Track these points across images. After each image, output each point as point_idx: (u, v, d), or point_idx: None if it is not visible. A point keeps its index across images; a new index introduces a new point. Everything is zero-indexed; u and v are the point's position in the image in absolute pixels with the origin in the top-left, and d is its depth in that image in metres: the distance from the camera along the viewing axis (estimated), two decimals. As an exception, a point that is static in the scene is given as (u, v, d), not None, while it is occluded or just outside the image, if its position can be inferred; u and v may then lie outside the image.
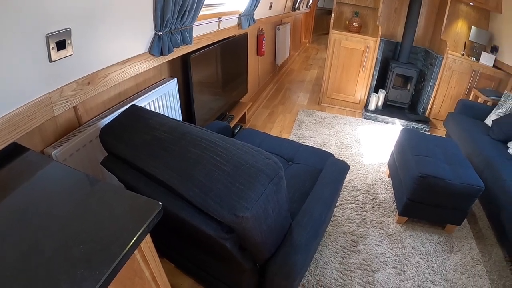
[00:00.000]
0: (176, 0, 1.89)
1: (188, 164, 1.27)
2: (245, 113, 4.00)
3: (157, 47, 2.02)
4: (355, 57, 4.84)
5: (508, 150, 3.72)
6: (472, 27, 4.96)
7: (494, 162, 3.32)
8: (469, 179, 2.73)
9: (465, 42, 5.07)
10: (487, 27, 5.12)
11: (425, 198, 2.79)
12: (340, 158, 3.62)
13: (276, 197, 1.27)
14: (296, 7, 6.55)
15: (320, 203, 1.88)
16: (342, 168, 2.30)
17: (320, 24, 11.95)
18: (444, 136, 4.53)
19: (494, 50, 4.91)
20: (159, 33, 1.98)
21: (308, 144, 3.73)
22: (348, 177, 3.46)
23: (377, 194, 3.31)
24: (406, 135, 3.29)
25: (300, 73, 7.03)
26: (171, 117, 1.66)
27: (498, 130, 3.92)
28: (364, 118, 5.03)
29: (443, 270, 2.59)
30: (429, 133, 4.84)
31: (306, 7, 8.61)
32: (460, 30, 5.16)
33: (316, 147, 3.68)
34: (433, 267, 2.60)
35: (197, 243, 1.72)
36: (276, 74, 6.16)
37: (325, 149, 3.74)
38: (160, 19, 1.91)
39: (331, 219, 2.85)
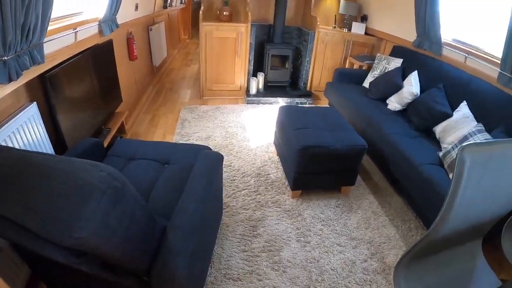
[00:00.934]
0: (16, 19, 1.69)
1: (29, 196, 1.20)
2: (123, 123, 3.78)
3: (4, 74, 1.81)
4: (229, 45, 4.85)
5: (387, 107, 3.99)
6: (341, 0, 5.34)
7: (375, 119, 3.55)
8: (351, 141, 2.87)
9: (335, 15, 5.45)
10: (355, -1, 5.61)
11: (312, 168, 2.87)
12: (226, 147, 3.62)
13: (118, 208, 1.20)
14: (168, 4, 6.42)
15: (192, 200, 1.79)
16: (214, 158, 2.21)
17: (198, 18, 11.92)
18: (327, 106, 4.76)
19: (364, 19, 5.39)
20: (3, 59, 1.76)
21: (192, 141, 3.66)
22: (237, 164, 3.43)
23: (268, 174, 3.32)
24: (284, 112, 3.34)
25: (181, 71, 6.90)
26: (15, 147, 1.59)
27: (376, 90, 4.20)
28: (247, 103, 5.07)
29: (347, 230, 2.68)
30: (312, 105, 5.11)
31: (181, 2, 8.58)
32: (330, 5, 5.53)
33: (200, 142, 3.61)
34: (336, 230, 2.67)
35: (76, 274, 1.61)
36: (155, 75, 5.93)
37: (210, 142, 3.70)
38: (2, 43, 1.70)
39: (226, 210, 2.78)
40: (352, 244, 2.56)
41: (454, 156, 2.70)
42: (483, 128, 2.84)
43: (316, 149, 2.73)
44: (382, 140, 3.28)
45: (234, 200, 2.91)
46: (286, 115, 3.27)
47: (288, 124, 3.11)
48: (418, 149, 3.03)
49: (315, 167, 2.85)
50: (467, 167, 1.14)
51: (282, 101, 5.14)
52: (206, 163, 2.12)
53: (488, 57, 3.37)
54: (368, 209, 2.95)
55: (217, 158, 2.21)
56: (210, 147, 3.12)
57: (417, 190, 2.79)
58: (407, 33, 4.51)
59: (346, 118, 3.82)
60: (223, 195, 2.90)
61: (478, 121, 3.05)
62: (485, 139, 2.60)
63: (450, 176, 2.67)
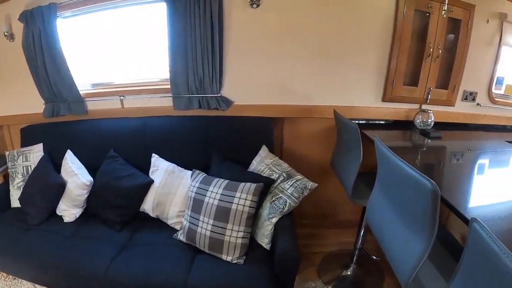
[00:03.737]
0: None
1: None
2: None
3: None
4: None
5: (64, 220, 2.79)
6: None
7: (63, 261, 2.31)
8: None
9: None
10: None
11: None
12: None
13: None
14: None
15: None
16: None
17: None
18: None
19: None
20: None
21: None
22: None
23: None
24: None
25: None
26: None
27: (35, 209, 2.82)
28: None
29: None
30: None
31: None
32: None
33: None
34: None
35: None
36: None
37: None
38: None
39: None
40: None
41: (201, 231, 2.14)
42: (205, 173, 2.45)
43: None
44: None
45: None
46: None
47: None
48: (160, 258, 2.17)
49: None
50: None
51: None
52: None
53: (156, 87, 3.06)
54: None
55: None
56: None
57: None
58: (33, 105, 3.37)
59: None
60: None
61: (190, 168, 2.56)
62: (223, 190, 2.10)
63: (225, 257, 2.07)
